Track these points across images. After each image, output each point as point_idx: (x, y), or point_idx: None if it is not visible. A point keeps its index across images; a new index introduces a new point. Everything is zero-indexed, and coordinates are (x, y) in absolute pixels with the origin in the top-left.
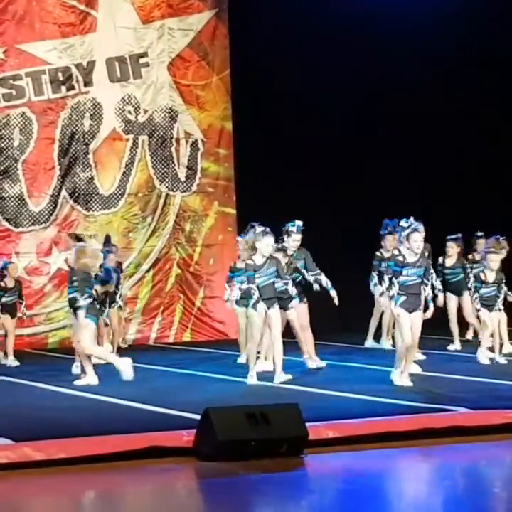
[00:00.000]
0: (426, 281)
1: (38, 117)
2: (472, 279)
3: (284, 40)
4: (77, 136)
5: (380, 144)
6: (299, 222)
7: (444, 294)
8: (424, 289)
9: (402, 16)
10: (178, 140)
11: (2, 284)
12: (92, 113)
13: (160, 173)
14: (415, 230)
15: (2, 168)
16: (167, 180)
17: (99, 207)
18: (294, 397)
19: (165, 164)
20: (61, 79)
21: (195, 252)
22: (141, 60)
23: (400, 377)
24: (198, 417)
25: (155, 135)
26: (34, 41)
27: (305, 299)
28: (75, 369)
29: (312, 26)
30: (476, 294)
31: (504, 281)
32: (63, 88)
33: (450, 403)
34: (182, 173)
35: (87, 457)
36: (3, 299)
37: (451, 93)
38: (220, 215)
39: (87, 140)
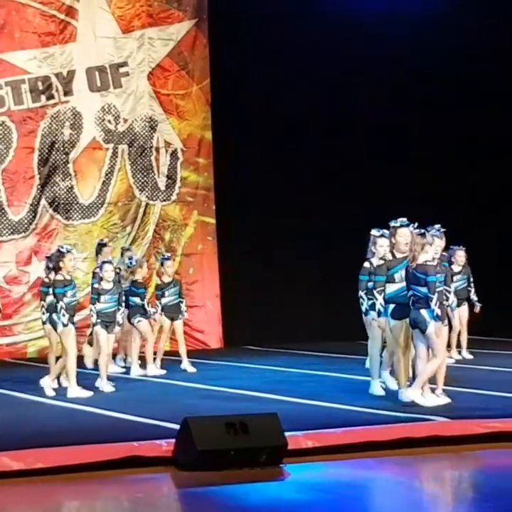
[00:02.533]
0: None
1: (18, 126)
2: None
3: (263, 50)
4: (56, 146)
5: (366, 151)
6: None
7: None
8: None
9: (387, 17)
10: (157, 149)
11: None
12: (71, 122)
13: (140, 183)
14: (403, 225)
15: None
16: (147, 189)
17: (79, 216)
18: (273, 407)
19: (145, 173)
20: (41, 88)
21: (174, 261)
22: (121, 70)
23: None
24: (177, 426)
25: (135, 144)
26: (14, 50)
27: None
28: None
29: (292, 35)
30: None
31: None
32: (43, 97)
33: (429, 413)
34: (162, 183)
35: (65, 467)
36: None
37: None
38: (200, 224)
39: (66, 149)
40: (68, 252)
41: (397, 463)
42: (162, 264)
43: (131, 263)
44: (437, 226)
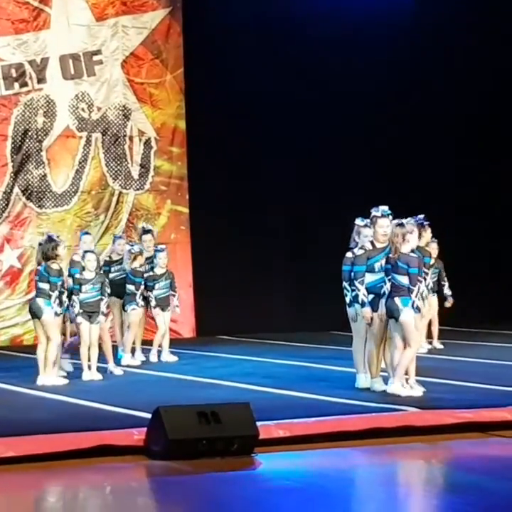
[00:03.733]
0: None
1: None
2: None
3: (238, 39)
4: (30, 133)
5: (339, 143)
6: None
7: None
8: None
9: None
10: (131, 138)
11: None
12: (45, 110)
13: (113, 171)
14: (384, 215)
15: None
16: (120, 178)
17: (52, 204)
18: (245, 396)
19: (118, 162)
20: (14, 75)
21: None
22: (95, 58)
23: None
24: (148, 415)
25: (108, 133)
26: None
27: None
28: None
29: (267, 24)
30: None
31: None
32: (16, 85)
33: (401, 403)
34: (135, 171)
35: (36, 456)
36: None
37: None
38: (173, 213)
39: (40, 137)
40: (61, 241)
41: (369, 453)
42: (155, 256)
43: (133, 249)
44: (421, 216)
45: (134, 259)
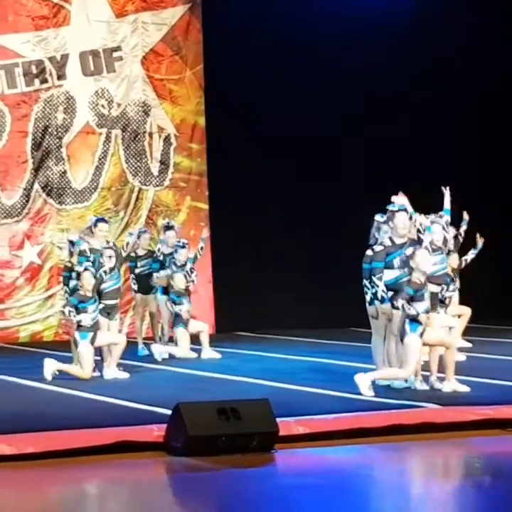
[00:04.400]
0: None
1: (11, 110)
2: None
3: (257, 35)
4: (50, 130)
5: (362, 137)
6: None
7: None
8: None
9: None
10: (151, 134)
11: None
12: (65, 106)
13: (133, 168)
14: (401, 209)
15: None
16: (140, 174)
17: (72, 201)
18: (264, 392)
19: (138, 158)
20: (34, 72)
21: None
22: (115, 54)
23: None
24: (168, 412)
25: (128, 129)
26: (7, 34)
27: None
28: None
29: (286, 21)
30: None
31: None
32: (36, 81)
33: (420, 400)
34: (155, 168)
35: (56, 451)
36: None
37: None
38: (193, 210)
39: (60, 133)
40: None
41: (389, 450)
42: (176, 251)
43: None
44: (442, 213)
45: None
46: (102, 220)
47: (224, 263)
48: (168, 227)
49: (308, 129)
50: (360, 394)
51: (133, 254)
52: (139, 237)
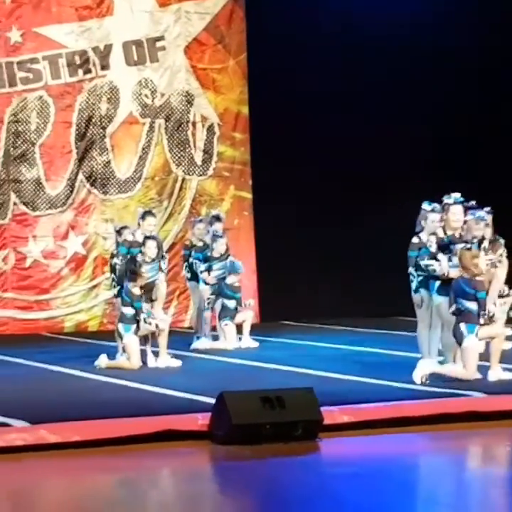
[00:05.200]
0: None
1: (55, 101)
2: None
3: (301, 24)
4: (93, 120)
5: (395, 130)
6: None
7: None
8: None
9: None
10: (194, 124)
11: None
12: (108, 97)
13: (176, 157)
14: (456, 202)
15: (19, 151)
16: (183, 164)
17: (116, 191)
18: (309, 381)
19: (181, 148)
20: (78, 62)
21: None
22: (158, 44)
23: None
24: (212, 400)
25: (171, 119)
26: (51, 24)
27: None
28: None
29: (330, 9)
30: None
31: None
32: (80, 71)
33: (466, 388)
34: (198, 157)
35: (101, 440)
36: None
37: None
38: (236, 199)
39: (103, 124)
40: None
41: (433, 439)
42: (193, 227)
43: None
44: (487, 209)
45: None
46: (150, 213)
47: (268, 253)
48: (217, 218)
49: (351, 119)
50: (404, 382)
51: (187, 243)
52: (193, 226)
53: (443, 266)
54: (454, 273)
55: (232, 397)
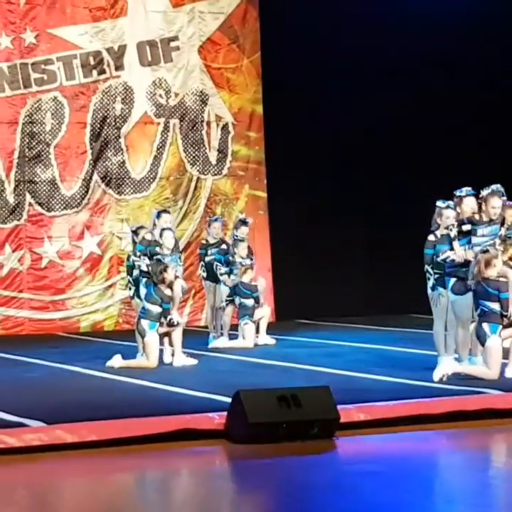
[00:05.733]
0: None
1: (70, 101)
2: None
3: (315, 23)
4: (108, 120)
5: (416, 129)
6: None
7: None
8: None
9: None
10: (208, 123)
11: None
12: (123, 97)
13: (191, 157)
14: (468, 194)
15: (34, 152)
16: (198, 163)
17: (131, 191)
18: (325, 380)
19: (196, 148)
20: (92, 63)
21: (226, 235)
22: (172, 44)
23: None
24: (229, 399)
25: (186, 118)
26: (65, 26)
27: None
28: None
29: (344, 7)
30: None
31: None
32: (94, 72)
33: (482, 386)
34: (213, 157)
35: (118, 439)
36: None
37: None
38: (251, 198)
39: (118, 124)
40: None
41: (451, 436)
42: (209, 225)
43: (244, 262)
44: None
45: (244, 272)
46: (165, 211)
47: (283, 251)
48: (243, 222)
49: (366, 117)
50: (420, 380)
51: (203, 242)
52: (209, 225)
53: (458, 253)
54: (471, 254)
55: (248, 396)
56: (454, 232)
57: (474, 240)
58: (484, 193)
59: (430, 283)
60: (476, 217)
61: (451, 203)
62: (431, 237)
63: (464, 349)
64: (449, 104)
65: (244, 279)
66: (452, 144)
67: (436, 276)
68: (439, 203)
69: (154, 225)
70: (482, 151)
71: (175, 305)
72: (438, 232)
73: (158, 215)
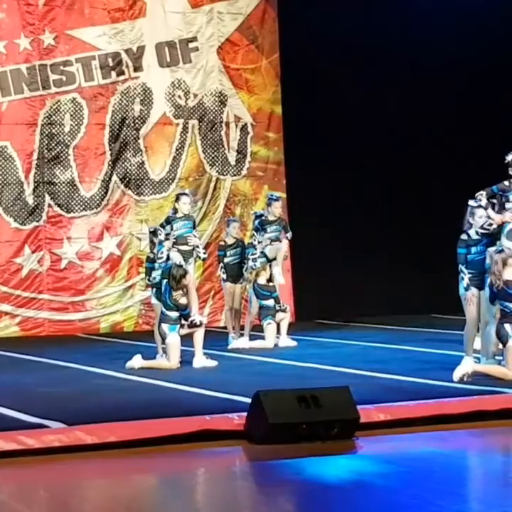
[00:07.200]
0: None
1: (89, 103)
2: None
3: (334, 23)
4: (127, 121)
5: (435, 134)
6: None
7: None
8: None
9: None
10: (227, 124)
11: None
12: (142, 98)
13: (210, 158)
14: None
15: (53, 153)
16: (217, 164)
17: (150, 192)
18: (345, 380)
19: (215, 148)
20: (111, 64)
21: (245, 236)
22: (191, 45)
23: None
24: (248, 400)
25: (205, 119)
26: (84, 27)
27: None
28: None
29: (362, 8)
30: None
31: None
32: (113, 73)
33: (504, 385)
34: (232, 157)
35: (137, 441)
36: None
37: None
38: None
39: (137, 125)
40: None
41: (472, 436)
42: (228, 226)
43: (255, 266)
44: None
45: (257, 275)
46: (183, 194)
47: (303, 252)
48: (275, 200)
49: (387, 117)
50: (440, 380)
51: (222, 243)
52: (228, 225)
53: (492, 216)
54: (509, 215)
55: (268, 397)
56: (484, 201)
57: (507, 205)
58: (509, 158)
59: (464, 283)
60: (506, 183)
61: (482, 202)
62: (463, 237)
63: (488, 348)
64: (479, 100)
65: (260, 281)
66: (484, 142)
67: (470, 275)
68: (470, 203)
69: (174, 208)
70: None
71: (194, 307)
72: (471, 232)
73: (178, 198)
